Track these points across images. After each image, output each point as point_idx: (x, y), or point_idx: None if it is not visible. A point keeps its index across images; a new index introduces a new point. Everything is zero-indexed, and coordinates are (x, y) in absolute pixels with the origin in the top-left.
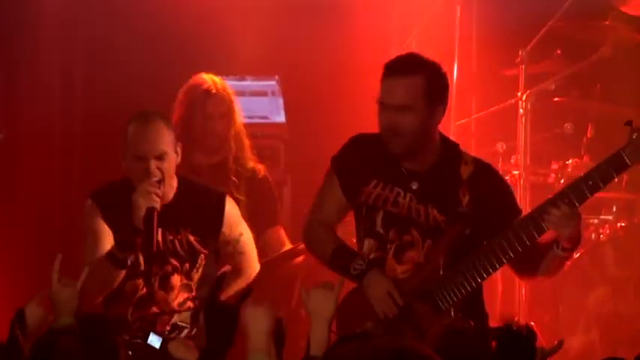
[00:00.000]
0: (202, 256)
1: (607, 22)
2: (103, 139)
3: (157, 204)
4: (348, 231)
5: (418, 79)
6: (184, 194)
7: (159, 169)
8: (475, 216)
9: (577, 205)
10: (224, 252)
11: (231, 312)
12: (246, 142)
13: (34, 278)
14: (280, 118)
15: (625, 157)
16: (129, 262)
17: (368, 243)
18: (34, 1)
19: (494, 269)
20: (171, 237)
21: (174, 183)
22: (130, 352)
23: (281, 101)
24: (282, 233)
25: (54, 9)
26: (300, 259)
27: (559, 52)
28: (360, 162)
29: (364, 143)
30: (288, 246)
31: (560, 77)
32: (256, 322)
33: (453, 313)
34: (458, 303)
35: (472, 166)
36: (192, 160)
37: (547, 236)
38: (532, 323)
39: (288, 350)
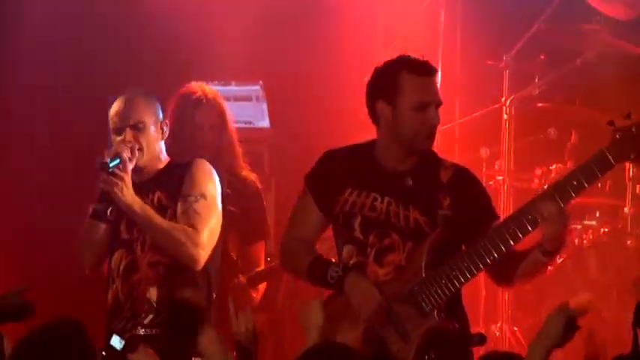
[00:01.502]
0: (169, 211)
1: (591, 27)
2: (88, 142)
3: (123, 158)
4: (329, 246)
5: (438, 76)
6: (168, 167)
7: (135, 138)
8: (455, 219)
9: (563, 204)
10: (180, 209)
11: (194, 312)
12: (239, 150)
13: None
14: (265, 122)
15: (609, 156)
16: (107, 215)
17: (347, 249)
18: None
19: (478, 270)
20: (147, 200)
21: (163, 158)
22: (104, 353)
23: (265, 106)
24: (261, 251)
25: (37, 14)
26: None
27: (543, 57)
28: (332, 174)
29: (335, 157)
30: (262, 265)
31: (544, 82)
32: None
33: (436, 315)
34: (441, 304)
35: (451, 170)
36: None
37: (527, 242)
38: (515, 328)
39: (273, 352)
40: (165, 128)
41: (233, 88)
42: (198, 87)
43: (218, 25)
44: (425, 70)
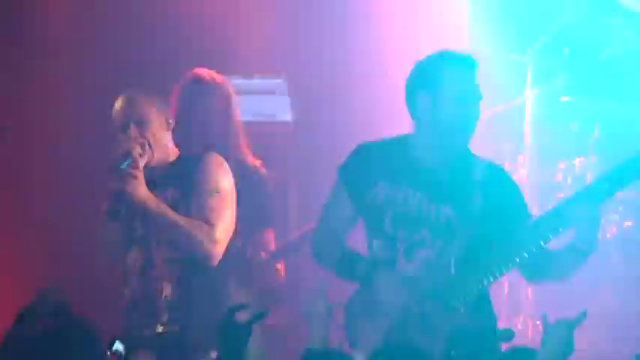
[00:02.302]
0: (183, 207)
1: (615, 21)
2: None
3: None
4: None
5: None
6: (179, 161)
7: (141, 134)
8: (487, 217)
9: (597, 205)
10: (195, 205)
11: (244, 330)
12: (244, 138)
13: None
14: (287, 116)
15: None
16: (122, 214)
17: (377, 243)
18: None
19: (508, 269)
20: (161, 197)
21: (172, 151)
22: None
23: (288, 99)
24: (271, 238)
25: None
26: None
27: (567, 51)
28: (366, 167)
29: (368, 150)
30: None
31: (569, 76)
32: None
33: (464, 312)
34: (469, 302)
35: (486, 168)
36: None
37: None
38: (538, 322)
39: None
40: (170, 121)
41: (256, 82)
42: (206, 72)
43: (242, 16)
44: (469, 64)
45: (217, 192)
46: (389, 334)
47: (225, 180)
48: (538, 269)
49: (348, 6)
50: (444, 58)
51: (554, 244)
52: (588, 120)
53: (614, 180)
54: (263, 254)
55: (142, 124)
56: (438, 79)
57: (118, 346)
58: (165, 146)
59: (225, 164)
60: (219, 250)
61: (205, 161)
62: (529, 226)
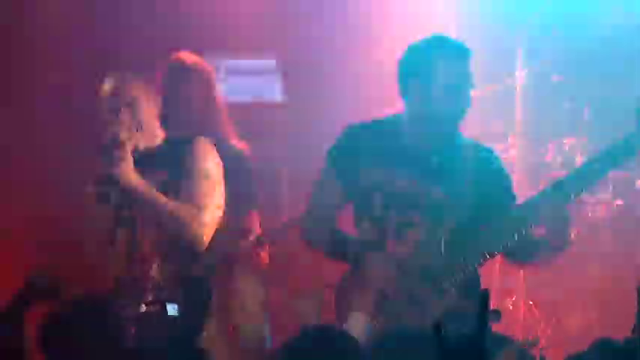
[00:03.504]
0: (171, 191)
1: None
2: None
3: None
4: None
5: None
6: (166, 144)
7: (131, 116)
8: (475, 198)
9: (573, 198)
10: (184, 188)
11: (206, 286)
12: (228, 119)
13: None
14: (279, 96)
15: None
16: (111, 197)
17: (366, 224)
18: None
19: (498, 251)
20: (149, 179)
21: (159, 134)
22: (133, 330)
23: (280, 79)
24: (255, 220)
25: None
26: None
27: (556, 31)
28: (355, 148)
29: (358, 131)
30: (258, 232)
31: (558, 56)
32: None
33: (454, 292)
34: (459, 283)
35: (475, 150)
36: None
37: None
38: (530, 302)
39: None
40: (158, 103)
41: (246, 62)
42: (187, 56)
43: None
44: (461, 51)
45: (206, 176)
46: (379, 308)
47: (213, 164)
48: (520, 253)
49: None
50: (435, 45)
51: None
52: (578, 100)
53: (601, 163)
54: (246, 240)
55: (131, 106)
56: (428, 67)
57: (170, 308)
58: (153, 129)
59: (214, 149)
60: (207, 233)
61: (194, 145)
62: (512, 212)
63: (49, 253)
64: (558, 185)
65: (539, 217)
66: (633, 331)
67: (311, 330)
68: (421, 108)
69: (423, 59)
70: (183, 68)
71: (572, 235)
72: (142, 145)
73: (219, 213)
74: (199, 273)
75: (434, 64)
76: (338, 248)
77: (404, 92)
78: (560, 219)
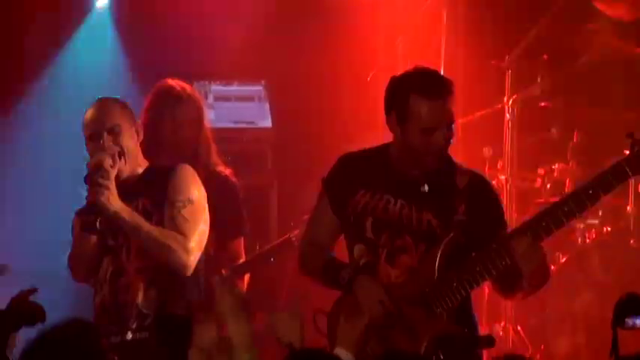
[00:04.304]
0: (155, 218)
1: (593, 26)
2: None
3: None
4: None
5: (451, 98)
6: (149, 172)
7: (114, 143)
8: (469, 225)
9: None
10: (168, 215)
11: (183, 323)
12: (214, 146)
13: None
14: (267, 122)
15: (627, 169)
16: (97, 226)
17: (358, 248)
18: None
19: (490, 275)
20: (132, 207)
21: (142, 162)
22: (116, 358)
23: (267, 106)
24: (241, 246)
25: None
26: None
27: (545, 56)
28: (348, 176)
29: (350, 159)
30: (242, 259)
31: (547, 82)
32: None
33: (446, 318)
34: (451, 307)
35: (468, 177)
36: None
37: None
38: (519, 327)
39: (275, 354)
40: (140, 131)
41: (235, 88)
42: (176, 83)
43: (220, 24)
44: (435, 93)
45: (190, 203)
46: (369, 335)
47: (197, 191)
48: (509, 282)
49: (327, 11)
50: (411, 85)
51: None
52: (567, 125)
53: (593, 188)
54: (223, 271)
55: (114, 132)
56: (404, 108)
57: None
58: (135, 156)
59: (196, 175)
60: (192, 260)
61: (177, 172)
62: (504, 237)
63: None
64: (529, 224)
65: (513, 255)
66: (611, 354)
67: (299, 355)
68: (402, 141)
69: (401, 99)
70: (173, 94)
71: (551, 269)
72: (125, 173)
73: (205, 238)
74: (182, 310)
75: (410, 107)
76: (331, 274)
77: (388, 123)
78: (534, 259)
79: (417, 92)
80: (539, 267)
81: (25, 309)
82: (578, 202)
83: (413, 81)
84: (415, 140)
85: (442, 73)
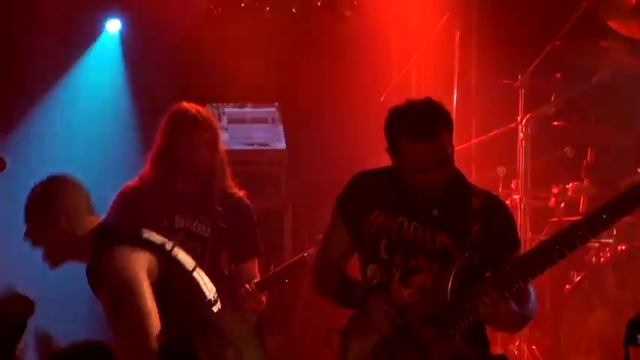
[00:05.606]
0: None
1: (606, 44)
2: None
3: None
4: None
5: (445, 133)
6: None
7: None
8: (483, 246)
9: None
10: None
11: (187, 348)
12: (228, 169)
13: None
14: (281, 144)
15: None
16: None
17: (371, 268)
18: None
19: (503, 298)
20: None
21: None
22: None
23: (281, 128)
24: (256, 267)
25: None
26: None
27: (559, 75)
28: (362, 195)
29: (364, 179)
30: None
31: (560, 101)
32: None
33: (458, 339)
34: (464, 328)
35: (482, 198)
36: (177, 188)
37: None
38: (533, 347)
39: None
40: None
41: (249, 110)
42: (191, 105)
43: (235, 47)
44: (423, 135)
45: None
46: (380, 354)
47: (121, 278)
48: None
49: (341, 34)
50: (398, 127)
51: None
52: (581, 144)
53: (607, 212)
54: (248, 286)
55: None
56: (396, 146)
57: None
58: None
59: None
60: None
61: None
62: (519, 259)
63: None
64: (492, 279)
65: (478, 311)
66: None
67: None
68: (401, 174)
69: (391, 139)
70: (189, 116)
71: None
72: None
73: (155, 311)
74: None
75: (401, 148)
76: (344, 293)
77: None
78: (498, 316)
79: (405, 135)
80: (503, 319)
81: (13, 308)
82: (592, 228)
83: (401, 123)
84: (410, 178)
85: (455, 94)
